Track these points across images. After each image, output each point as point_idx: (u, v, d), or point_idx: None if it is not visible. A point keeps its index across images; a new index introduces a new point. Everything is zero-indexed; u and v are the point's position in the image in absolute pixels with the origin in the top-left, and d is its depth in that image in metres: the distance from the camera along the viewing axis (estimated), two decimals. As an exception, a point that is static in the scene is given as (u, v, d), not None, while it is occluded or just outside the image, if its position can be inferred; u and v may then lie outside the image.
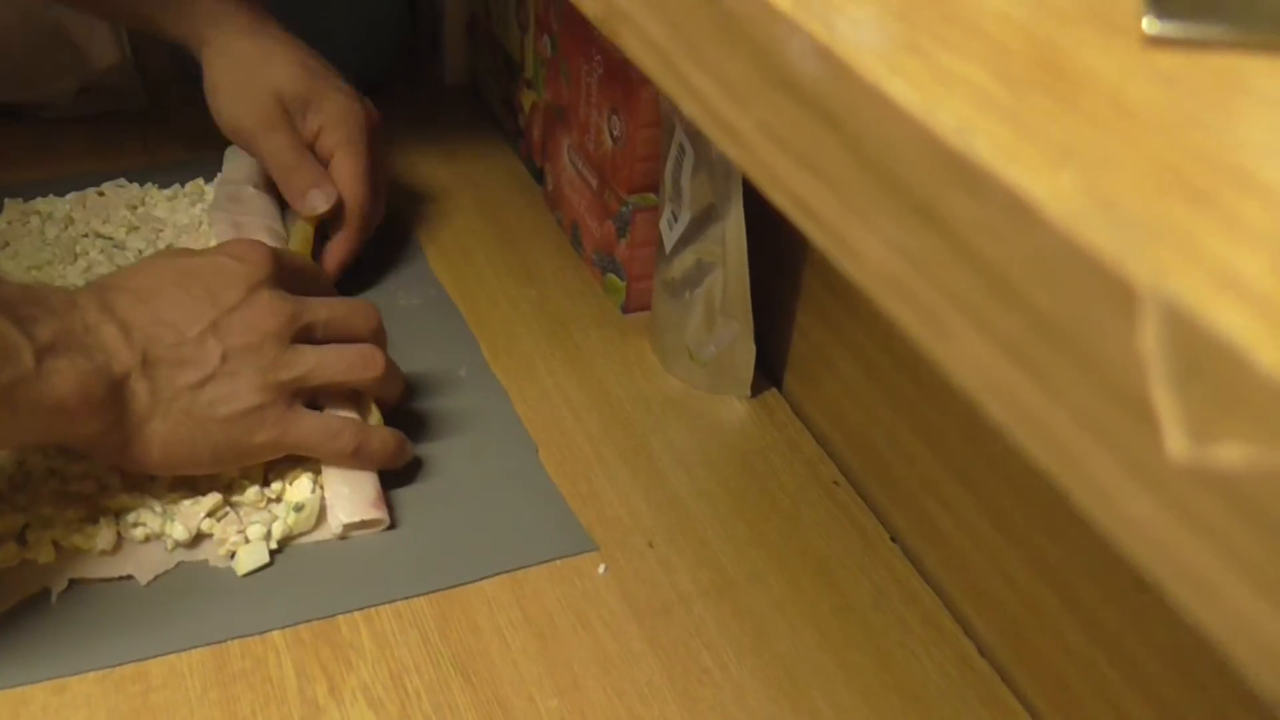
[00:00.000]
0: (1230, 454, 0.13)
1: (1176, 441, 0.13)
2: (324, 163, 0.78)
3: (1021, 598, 0.57)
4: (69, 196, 0.84)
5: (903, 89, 0.17)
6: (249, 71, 0.76)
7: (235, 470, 0.64)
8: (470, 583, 0.61)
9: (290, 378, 0.62)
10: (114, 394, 0.56)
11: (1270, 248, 0.14)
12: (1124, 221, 0.14)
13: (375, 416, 0.66)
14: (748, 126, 0.20)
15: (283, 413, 0.61)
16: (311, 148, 0.78)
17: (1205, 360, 0.13)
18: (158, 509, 0.61)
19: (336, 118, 0.77)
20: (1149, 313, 0.13)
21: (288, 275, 0.65)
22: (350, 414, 0.64)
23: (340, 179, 0.77)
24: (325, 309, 0.64)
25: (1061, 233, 0.14)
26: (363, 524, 0.62)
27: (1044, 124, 0.16)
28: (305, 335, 0.63)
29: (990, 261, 0.16)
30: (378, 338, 0.67)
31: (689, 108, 0.22)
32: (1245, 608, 0.13)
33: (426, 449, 0.67)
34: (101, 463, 0.62)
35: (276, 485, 0.64)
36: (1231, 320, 0.13)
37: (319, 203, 0.76)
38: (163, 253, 0.67)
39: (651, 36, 0.24)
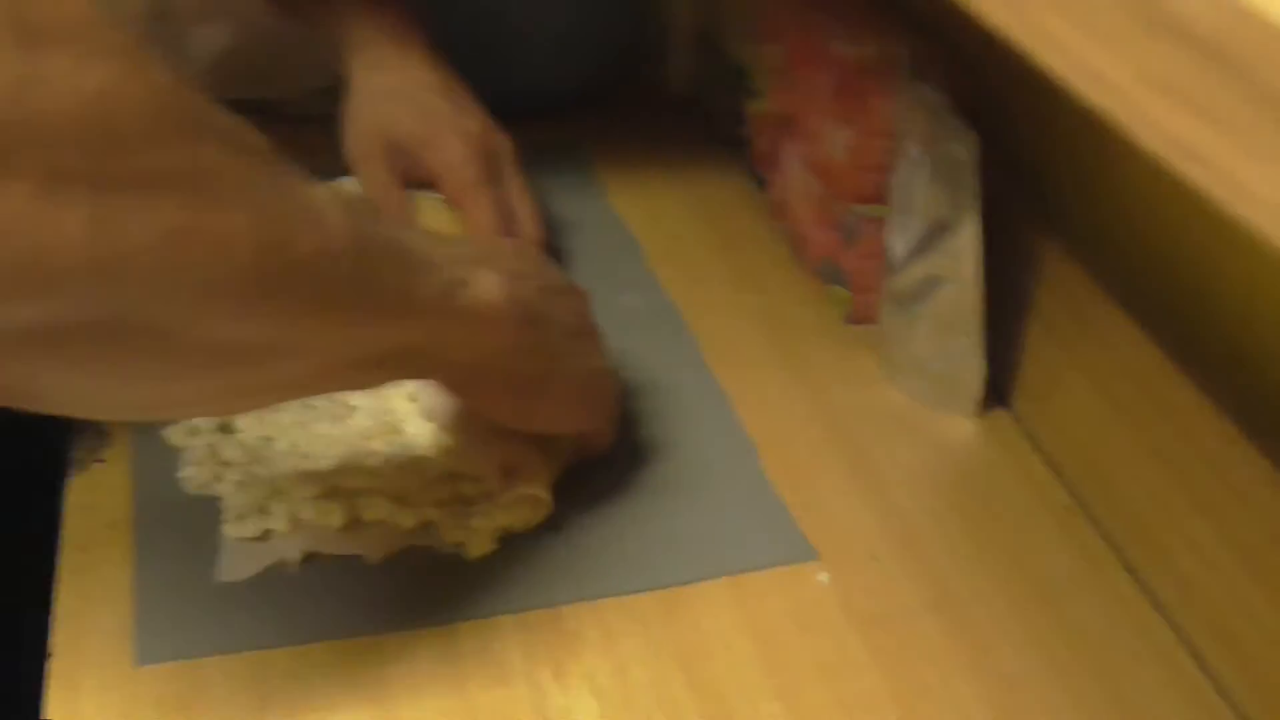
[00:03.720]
0: None
1: None
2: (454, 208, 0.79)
3: (1265, 635, 0.54)
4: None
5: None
6: (372, 107, 0.79)
7: (465, 466, 0.65)
8: (692, 582, 0.61)
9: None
10: (529, 310, 0.56)
11: None
12: None
13: None
14: (1123, 74, 0.20)
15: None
16: (434, 187, 0.79)
17: None
18: (388, 493, 0.63)
19: (454, 162, 0.77)
20: None
21: None
22: None
23: (472, 226, 0.78)
24: None
25: None
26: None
27: None
28: None
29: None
30: None
31: (1048, 59, 0.22)
32: None
33: (647, 447, 0.68)
34: (509, 418, 0.60)
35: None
36: None
37: None
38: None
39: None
